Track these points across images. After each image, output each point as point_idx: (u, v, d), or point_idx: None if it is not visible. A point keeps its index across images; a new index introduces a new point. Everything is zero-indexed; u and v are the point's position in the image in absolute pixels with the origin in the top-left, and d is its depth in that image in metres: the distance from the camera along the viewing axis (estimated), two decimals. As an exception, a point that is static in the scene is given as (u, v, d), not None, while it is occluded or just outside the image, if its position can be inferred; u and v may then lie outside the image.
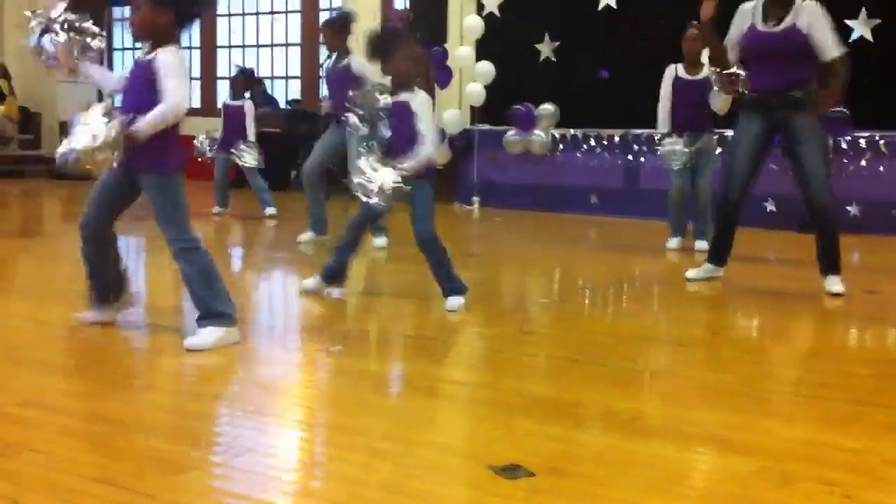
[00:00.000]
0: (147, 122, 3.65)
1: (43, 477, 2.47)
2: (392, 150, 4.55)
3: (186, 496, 2.37)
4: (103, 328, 4.08)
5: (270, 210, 8.83)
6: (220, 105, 9.53)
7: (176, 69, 3.72)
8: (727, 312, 5.06)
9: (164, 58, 3.72)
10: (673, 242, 7.03)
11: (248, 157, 8.71)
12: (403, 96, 4.60)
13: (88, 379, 3.47)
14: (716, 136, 7.17)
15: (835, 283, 5.06)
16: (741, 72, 5.11)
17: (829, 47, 4.94)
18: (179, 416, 3.06)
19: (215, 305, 3.82)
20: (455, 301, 4.60)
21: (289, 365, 3.82)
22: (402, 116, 4.57)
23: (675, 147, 6.78)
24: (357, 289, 5.22)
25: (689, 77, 6.85)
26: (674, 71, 6.92)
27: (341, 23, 7.09)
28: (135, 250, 6.83)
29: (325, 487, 2.45)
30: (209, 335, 3.78)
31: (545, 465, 2.56)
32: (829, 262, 5.08)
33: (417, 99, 4.57)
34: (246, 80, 9.33)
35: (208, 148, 8.98)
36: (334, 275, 4.87)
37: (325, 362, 3.81)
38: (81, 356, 3.85)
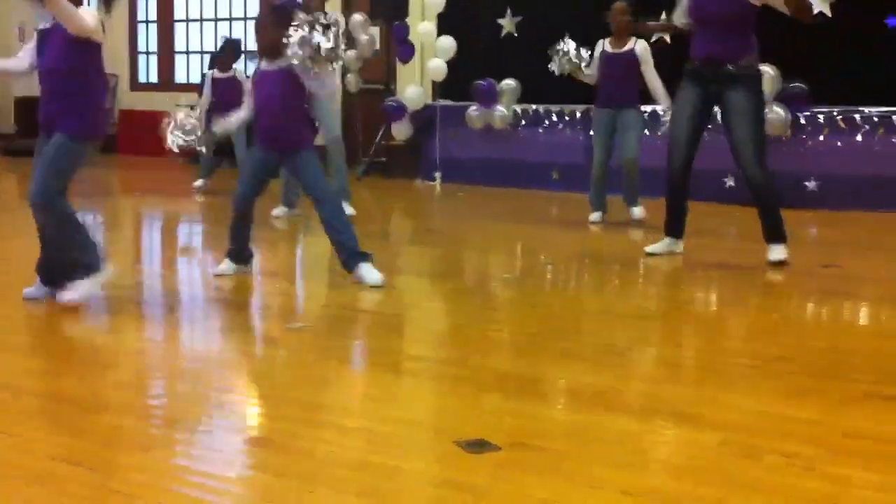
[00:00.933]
0: None
1: (7, 459, 2.45)
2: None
3: (152, 475, 2.36)
4: (61, 306, 4.03)
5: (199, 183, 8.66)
6: (201, 78, 8.97)
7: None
8: (686, 287, 5.11)
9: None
10: (594, 216, 7.12)
11: None
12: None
13: (49, 358, 3.44)
14: (645, 112, 7.23)
15: (776, 252, 5.15)
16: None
17: None
18: (142, 394, 3.05)
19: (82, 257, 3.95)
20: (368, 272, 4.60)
21: (252, 342, 3.80)
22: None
23: (565, 50, 6.92)
24: (315, 265, 5.20)
25: (614, 51, 6.91)
26: (601, 46, 6.99)
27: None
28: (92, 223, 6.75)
29: (291, 464, 2.45)
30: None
31: (511, 440, 2.58)
32: (769, 232, 5.19)
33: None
34: (235, 52, 8.93)
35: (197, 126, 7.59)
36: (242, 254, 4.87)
37: (288, 339, 3.79)
38: (40, 335, 3.82)
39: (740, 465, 2.45)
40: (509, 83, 9.62)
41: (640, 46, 6.86)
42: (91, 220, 6.77)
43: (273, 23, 4.49)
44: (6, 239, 6.53)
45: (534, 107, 9.68)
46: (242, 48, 9.43)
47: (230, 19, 13.67)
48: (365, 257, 4.59)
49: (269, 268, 5.29)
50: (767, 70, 7.18)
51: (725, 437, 2.64)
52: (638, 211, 7.02)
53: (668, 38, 5.86)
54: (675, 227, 5.53)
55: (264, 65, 4.64)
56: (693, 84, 5.20)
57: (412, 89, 10.03)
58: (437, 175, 9.93)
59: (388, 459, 2.47)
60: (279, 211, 7.11)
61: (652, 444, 2.68)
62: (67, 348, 3.65)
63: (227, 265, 4.84)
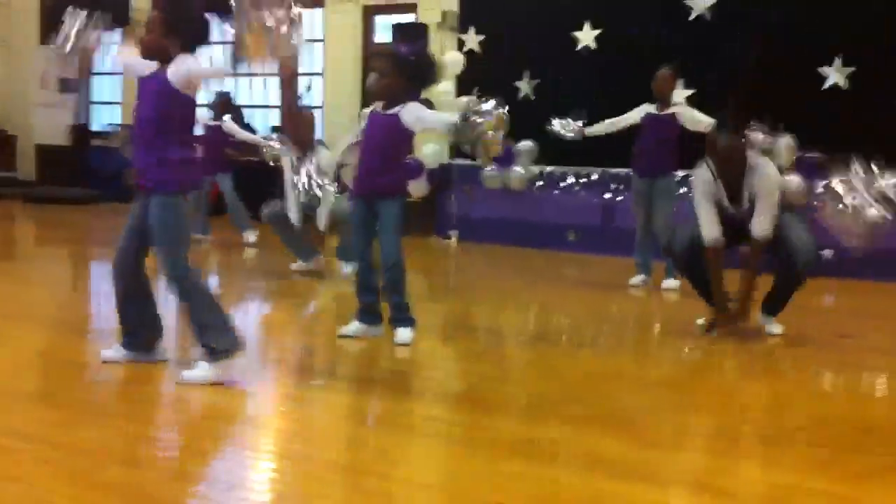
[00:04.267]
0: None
1: (24, 508, 2.45)
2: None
3: (170, 531, 2.36)
4: (81, 356, 4.05)
5: (250, 235, 8.81)
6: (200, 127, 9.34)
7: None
8: (702, 354, 5.09)
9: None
10: (636, 279, 7.11)
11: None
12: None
13: (68, 408, 3.44)
14: (678, 178, 7.27)
15: (775, 326, 5.19)
16: None
17: (761, 225, 4.94)
18: (161, 449, 3.05)
19: (212, 339, 3.77)
20: (405, 333, 4.60)
21: (271, 399, 3.80)
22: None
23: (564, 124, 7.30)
24: (334, 323, 5.19)
25: (657, 112, 6.97)
26: (646, 107, 7.05)
27: None
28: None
29: (309, 524, 2.44)
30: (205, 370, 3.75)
31: (529, 505, 2.57)
32: (776, 307, 5.18)
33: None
34: (224, 104, 9.28)
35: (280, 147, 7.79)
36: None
37: (307, 397, 3.80)
38: (60, 384, 3.83)
39: (760, 538, 2.43)
40: (526, 144, 9.70)
41: (680, 109, 6.91)
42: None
43: (393, 70, 4.54)
44: (25, 286, 6.57)
45: (550, 168, 9.75)
46: (232, 100, 9.75)
47: (250, 75, 13.86)
48: (407, 322, 4.63)
49: (283, 320, 5.31)
50: (787, 139, 7.25)
51: (744, 508, 2.62)
52: (669, 282, 6.90)
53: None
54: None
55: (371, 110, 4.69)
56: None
57: (429, 147, 10.13)
58: (453, 233, 9.97)
59: (406, 522, 2.46)
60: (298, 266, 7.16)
61: (670, 513, 2.66)
62: (87, 399, 3.65)
63: (354, 326, 4.72)
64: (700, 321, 5.35)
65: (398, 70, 4.51)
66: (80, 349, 4.49)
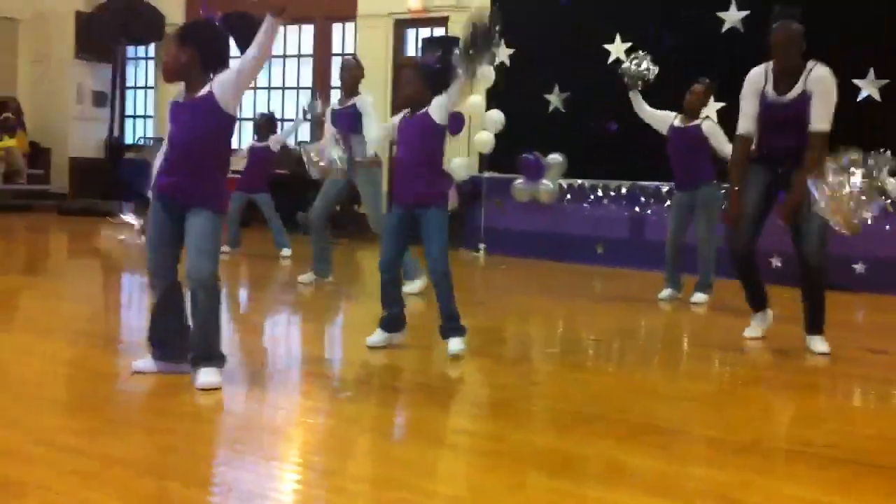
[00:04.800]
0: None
1: (53, 517, 2.48)
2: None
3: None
4: (111, 367, 4.09)
5: (286, 251, 8.98)
6: (243, 146, 9.70)
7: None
8: (731, 368, 5.06)
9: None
10: (664, 293, 7.09)
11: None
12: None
13: (96, 418, 3.48)
14: (722, 191, 7.23)
15: (820, 344, 5.10)
16: None
17: (818, 118, 4.93)
18: (190, 459, 3.07)
19: (218, 348, 3.96)
20: (457, 343, 4.65)
21: (297, 410, 3.82)
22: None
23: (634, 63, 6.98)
24: (361, 335, 5.22)
25: (680, 125, 6.96)
26: (671, 119, 7.03)
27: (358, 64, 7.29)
28: (139, 287, 6.86)
29: (333, 536, 2.44)
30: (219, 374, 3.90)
31: (553, 519, 2.56)
32: (814, 322, 5.13)
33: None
34: (270, 123, 9.56)
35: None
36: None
37: (333, 408, 3.81)
38: (90, 395, 3.87)
39: (787, 555, 2.41)
40: (556, 157, 9.71)
41: (708, 124, 6.90)
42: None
43: (418, 78, 4.65)
44: (57, 298, 6.65)
45: (579, 181, 9.75)
46: (276, 120, 10.04)
47: (283, 88, 13.98)
48: (459, 332, 4.70)
49: (311, 331, 5.33)
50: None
51: (771, 524, 2.59)
52: (699, 297, 6.91)
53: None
54: (760, 305, 5.47)
55: (401, 116, 4.81)
56: (762, 167, 5.16)
57: (459, 160, 10.15)
58: (482, 246, 9.99)
59: (430, 534, 2.46)
60: (306, 277, 7.25)
61: (696, 528, 2.65)
62: (116, 409, 3.69)
63: (379, 336, 4.82)
64: (747, 332, 5.33)
65: (422, 79, 4.64)
66: (110, 361, 4.53)
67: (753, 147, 5.17)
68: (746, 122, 5.14)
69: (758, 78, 5.11)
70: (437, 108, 4.62)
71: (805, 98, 4.93)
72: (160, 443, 3.22)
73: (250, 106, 13.56)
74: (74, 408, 3.67)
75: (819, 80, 4.94)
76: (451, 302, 4.68)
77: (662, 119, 7.08)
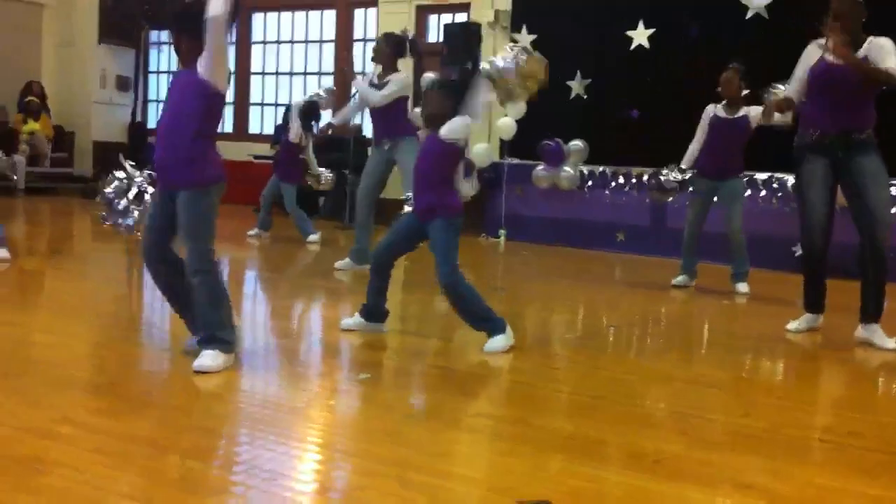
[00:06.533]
0: None
1: (77, 492, 2.50)
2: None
3: (218, 519, 2.39)
4: (134, 348, 4.12)
5: (313, 237, 9.00)
6: (274, 129, 9.90)
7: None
8: (752, 355, 5.04)
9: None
10: (678, 279, 7.07)
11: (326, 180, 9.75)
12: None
13: (121, 398, 3.51)
14: (745, 179, 7.19)
15: (888, 340, 5.00)
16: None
17: (889, 63, 4.87)
18: (213, 439, 3.09)
19: (220, 331, 3.93)
20: (493, 343, 4.58)
21: (318, 392, 3.84)
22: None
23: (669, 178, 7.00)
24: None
25: (727, 116, 6.87)
26: (712, 110, 6.95)
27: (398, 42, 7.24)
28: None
29: (354, 515, 2.46)
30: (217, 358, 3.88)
31: (573, 503, 2.57)
32: (877, 308, 5.04)
33: None
34: (310, 112, 9.53)
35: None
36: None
37: (353, 390, 3.83)
38: (114, 374, 3.90)
39: (807, 540, 2.40)
40: (577, 144, 9.67)
41: (755, 112, 6.73)
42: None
43: (442, 95, 4.59)
44: (82, 279, 6.70)
45: (601, 168, 9.72)
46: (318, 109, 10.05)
47: (304, 74, 13.99)
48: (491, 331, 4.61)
49: (333, 316, 5.35)
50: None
51: (792, 510, 2.59)
52: (743, 286, 6.82)
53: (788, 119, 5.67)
54: (817, 305, 5.39)
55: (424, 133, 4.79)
56: (819, 157, 5.07)
57: (479, 146, 10.12)
58: (502, 232, 9.98)
59: (450, 515, 2.47)
60: (342, 263, 7.24)
61: (716, 513, 2.65)
62: (139, 389, 3.72)
63: (355, 320, 4.85)
64: (791, 325, 5.29)
65: (445, 97, 4.58)
66: (134, 341, 4.57)
67: (809, 130, 5.11)
68: (795, 90, 5.15)
69: (811, 52, 5.10)
70: (450, 130, 4.52)
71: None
72: (182, 422, 3.24)
73: (286, 94, 13.54)
74: (98, 387, 3.70)
75: (879, 46, 4.93)
76: (467, 311, 4.59)
77: (704, 123, 6.98)
